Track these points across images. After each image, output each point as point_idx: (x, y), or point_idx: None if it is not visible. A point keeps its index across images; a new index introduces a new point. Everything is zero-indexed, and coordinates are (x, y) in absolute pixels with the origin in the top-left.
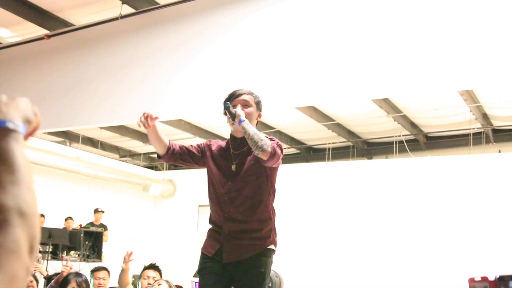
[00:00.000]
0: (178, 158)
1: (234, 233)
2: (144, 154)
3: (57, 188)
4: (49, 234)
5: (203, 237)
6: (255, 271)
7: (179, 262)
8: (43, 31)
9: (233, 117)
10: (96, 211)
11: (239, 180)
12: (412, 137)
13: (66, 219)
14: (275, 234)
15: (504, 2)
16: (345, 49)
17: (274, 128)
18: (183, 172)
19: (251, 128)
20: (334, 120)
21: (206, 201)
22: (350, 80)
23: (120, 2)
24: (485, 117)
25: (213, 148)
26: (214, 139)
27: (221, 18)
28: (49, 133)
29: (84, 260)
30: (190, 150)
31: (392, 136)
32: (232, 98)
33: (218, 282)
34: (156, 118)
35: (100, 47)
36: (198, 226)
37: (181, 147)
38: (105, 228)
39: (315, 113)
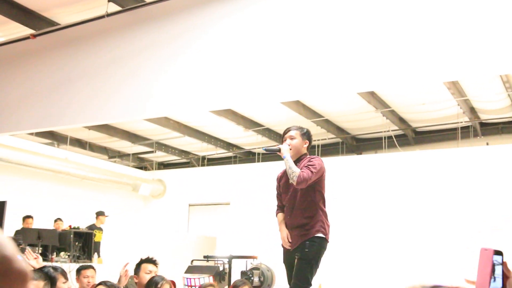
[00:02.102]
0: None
1: (293, 228)
2: (133, 154)
3: (46, 189)
4: (38, 235)
5: (194, 236)
6: (303, 251)
7: (170, 260)
8: (28, 31)
9: (275, 151)
10: (102, 214)
11: (294, 190)
12: (400, 132)
13: (55, 220)
14: (324, 225)
15: None
16: (329, 41)
17: (263, 126)
18: (173, 172)
19: (287, 163)
20: (323, 117)
21: (196, 200)
22: (335, 73)
23: (106, 0)
24: (472, 110)
25: (280, 174)
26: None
27: (207, 15)
28: (37, 135)
29: (74, 261)
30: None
31: (381, 132)
32: (284, 134)
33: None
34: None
35: (86, 45)
36: (188, 225)
37: (282, 204)
38: (101, 230)
39: (304, 109)
